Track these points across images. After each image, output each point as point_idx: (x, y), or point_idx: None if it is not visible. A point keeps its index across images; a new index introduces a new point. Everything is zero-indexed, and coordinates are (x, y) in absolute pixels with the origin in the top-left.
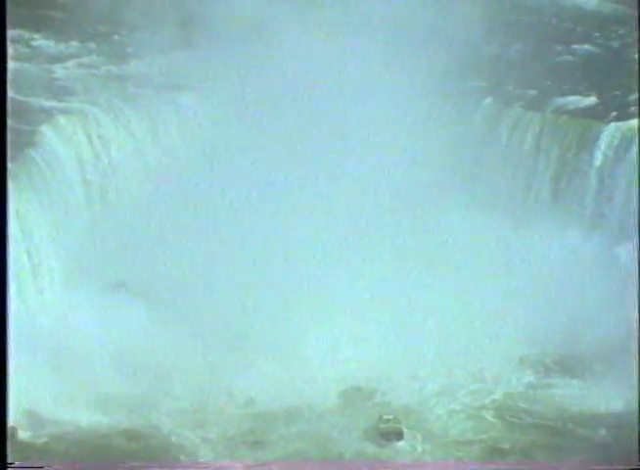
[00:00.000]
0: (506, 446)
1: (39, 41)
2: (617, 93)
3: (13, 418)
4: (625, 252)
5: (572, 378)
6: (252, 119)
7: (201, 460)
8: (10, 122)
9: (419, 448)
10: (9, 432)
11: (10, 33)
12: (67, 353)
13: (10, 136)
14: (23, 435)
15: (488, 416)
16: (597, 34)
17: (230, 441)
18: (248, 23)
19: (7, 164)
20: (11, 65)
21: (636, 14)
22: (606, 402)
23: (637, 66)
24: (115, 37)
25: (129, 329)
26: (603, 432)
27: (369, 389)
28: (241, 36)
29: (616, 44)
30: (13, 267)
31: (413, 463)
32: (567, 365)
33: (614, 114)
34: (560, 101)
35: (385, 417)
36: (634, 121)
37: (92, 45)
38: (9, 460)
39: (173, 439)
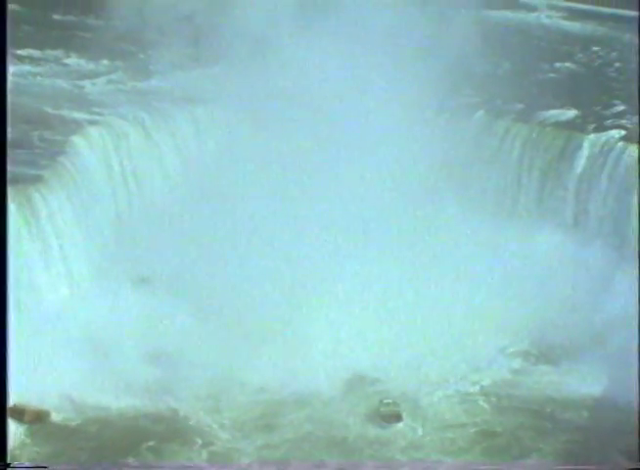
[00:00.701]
0: (496, 428)
1: (72, 60)
2: (596, 107)
3: (48, 402)
4: (600, 250)
5: (554, 366)
6: (260, 128)
7: (202, 462)
8: (44, 134)
9: (419, 431)
10: (42, 414)
11: (45, 53)
12: (97, 341)
13: (44, 145)
14: (57, 417)
15: (479, 401)
16: (579, 54)
17: (243, 425)
18: (254, 41)
19: (6, 165)
20: (46, 81)
21: (615, 35)
22: (582, 388)
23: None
24: (140, 56)
25: (152, 321)
26: (579, 413)
27: (371, 378)
28: (248, 53)
29: (595, 63)
30: (46, 263)
31: (414, 463)
32: (549, 354)
33: (592, 126)
34: (545, 114)
35: (385, 401)
36: (611, 133)
37: (119, 63)
38: (8, 460)
39: (191, 422)
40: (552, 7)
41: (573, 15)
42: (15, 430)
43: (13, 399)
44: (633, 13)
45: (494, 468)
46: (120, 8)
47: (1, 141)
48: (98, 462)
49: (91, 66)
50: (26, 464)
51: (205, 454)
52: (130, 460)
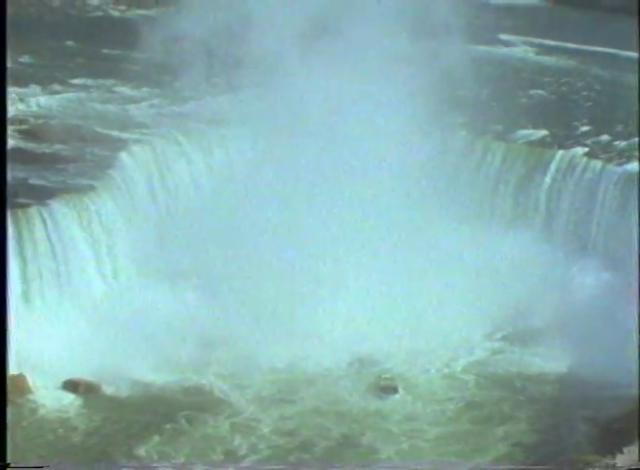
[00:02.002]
0: (480, 400)
1: (119, 88)
2: (564, 129)
3: (98, 376)
4: (565, 248)
5: (527, 347)
6: (282, 146)
7: (208, 460)
8: (95, 150)
9: (413, 405)
10: (94, 386)
11: (96, 82)
12: (140, 327)
13: (95, 160)
14: (107, 390)
15: (465, 378)
16: (550, 84)
17: (263, 400)
18: (268, 69)
19: (6, 168)
20: (97, 106)
21: (583, 68)
22: (551, 365)
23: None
24: (176, 84)
25: (185, 310)
26: (548, 388)
27: (372, 360)
28: (264, 79)
29: (561, 90)
30: (97, 260)
31: (414, 463)
32: (525, 338)
33: (560, 144)
34: (519, 134)
35: (383, 376)
36: (576, 150)
37: (158, 91)
38: (8, 460)
39: (218, 397)
40: (527, 43)
41: (546, 50)
42: (72, 402)
43: (71, 374)
44: (599, 49)
45: (492, 468)
46: (157, 44)
47: (1, 144)
48: (98, 462)
49: (135, 92)
50: (26, 464)
51: (227, 424)
52: (141, 451)
